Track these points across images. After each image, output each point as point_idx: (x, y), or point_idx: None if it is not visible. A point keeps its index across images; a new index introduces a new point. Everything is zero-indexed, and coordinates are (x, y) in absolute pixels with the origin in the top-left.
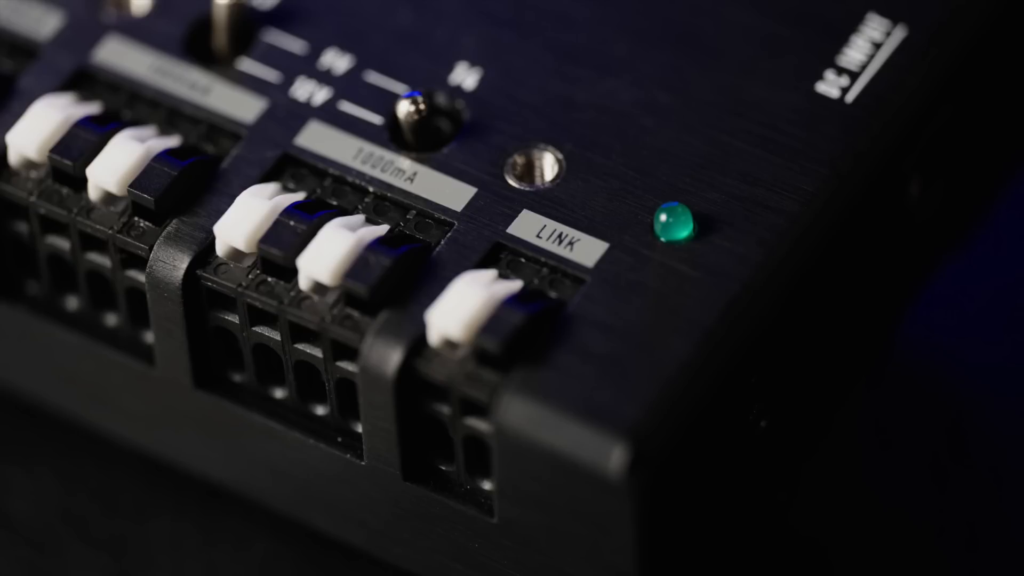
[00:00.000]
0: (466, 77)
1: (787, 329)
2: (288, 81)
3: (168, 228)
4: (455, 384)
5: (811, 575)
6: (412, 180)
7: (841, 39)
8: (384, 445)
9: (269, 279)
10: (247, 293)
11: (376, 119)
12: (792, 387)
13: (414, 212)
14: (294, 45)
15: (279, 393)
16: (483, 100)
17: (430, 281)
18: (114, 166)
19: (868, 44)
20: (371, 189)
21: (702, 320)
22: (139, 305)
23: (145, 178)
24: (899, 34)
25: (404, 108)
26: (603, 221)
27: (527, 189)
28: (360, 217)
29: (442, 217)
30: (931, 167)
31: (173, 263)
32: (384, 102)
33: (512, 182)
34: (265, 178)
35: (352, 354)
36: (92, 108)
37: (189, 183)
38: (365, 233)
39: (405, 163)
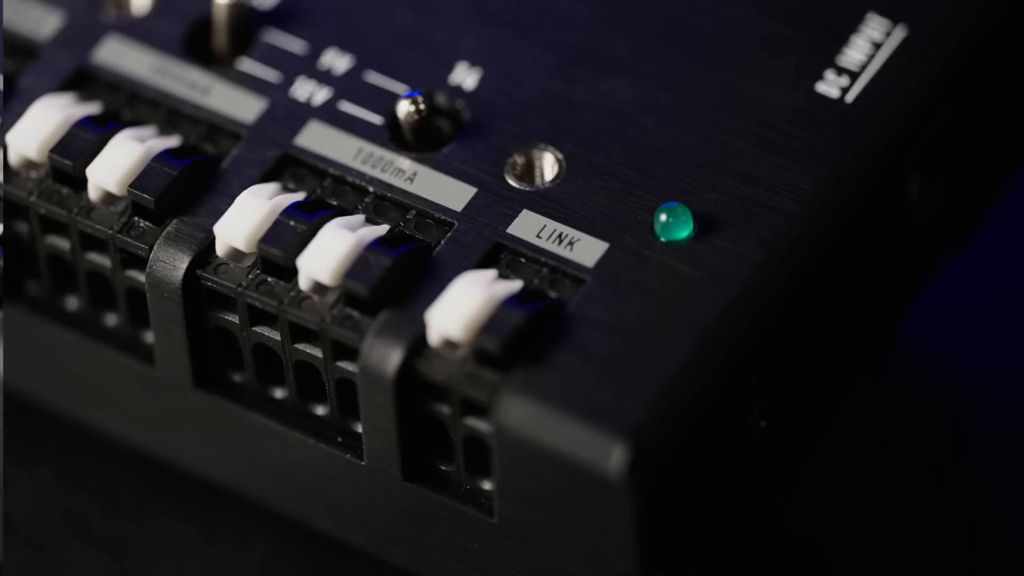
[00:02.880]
0: (466, 77)
1: (787, 329)
2: (288, 81)
3: (168, 228)
4: (455, 384)
5: (811, 575)
6: (412, 180)
7: (841, 39)
8: (384, 445)
9: (269, 279)
10: (247, 293)
11: (376, 119)
12: (792, 387)
13: (414, 212)
14: (294, 45)
15: (279, 393)
16: (483, 100)
17: (430, 281)
18: (114, 166)
19: (868, 44)
20: (371, 189)
21: (702, 320)
22: (139, 305)
23: (145, 178)
24: (899, 34)
25: (404, 108)
26: (603, 221)
27: (527, 189)
28: (360, 217)
29: (442, 217)
30: (931, 167)
31: (173, 263)
32: (384, 102)
33: (512, 182)
34: (265, 178)
35: (352, 354)
36: (92, 108)
37: (189, 183)
38: (365, 233)
39: (405, 163)
